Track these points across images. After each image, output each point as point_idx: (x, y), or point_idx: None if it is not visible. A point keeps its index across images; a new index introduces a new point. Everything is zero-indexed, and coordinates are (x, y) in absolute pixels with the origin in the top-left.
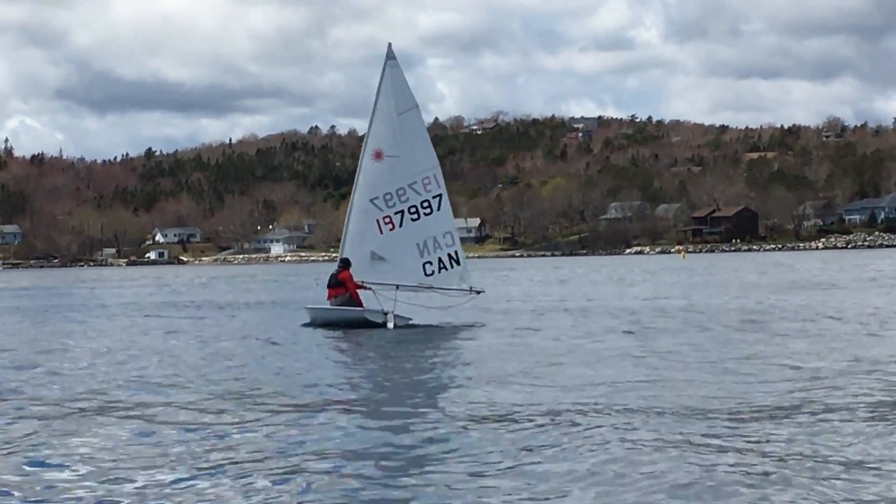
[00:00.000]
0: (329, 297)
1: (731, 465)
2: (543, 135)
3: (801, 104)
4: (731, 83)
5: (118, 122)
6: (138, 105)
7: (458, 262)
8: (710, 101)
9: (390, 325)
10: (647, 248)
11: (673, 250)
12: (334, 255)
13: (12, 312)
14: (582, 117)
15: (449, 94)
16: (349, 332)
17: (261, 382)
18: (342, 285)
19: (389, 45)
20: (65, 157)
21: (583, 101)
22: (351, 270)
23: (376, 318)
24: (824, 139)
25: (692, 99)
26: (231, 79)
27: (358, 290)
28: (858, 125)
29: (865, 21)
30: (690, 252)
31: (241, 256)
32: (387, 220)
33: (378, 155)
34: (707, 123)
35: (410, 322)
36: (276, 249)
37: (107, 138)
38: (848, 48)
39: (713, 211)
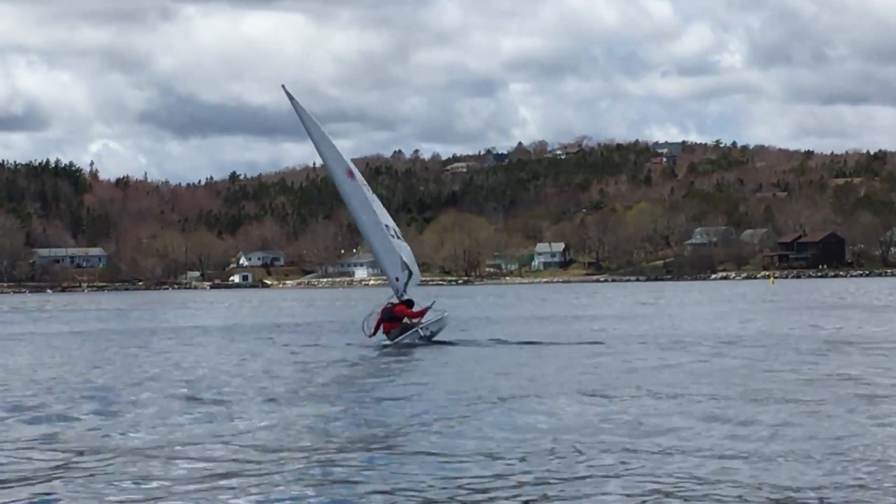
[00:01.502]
0: (386, 331)
1: None
2: (627, 160)
3: (885, 130)
4: (814, 108)
5: (200, 145)
6: (220, 129)
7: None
8: (794, 126)
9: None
10: (733, 274)
11: (760, 276)
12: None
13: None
14: (666, 142)
15: (531, 119)
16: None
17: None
18: (398, 319)
19: (283, 86)
20: (149, 180)
21: (665, 126)
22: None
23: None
24: None
25: (775, 124)
26: (313, 103)
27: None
28: None
29: None
30: (777, 278)
31: (324, 280)
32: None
33: (350, 173)
34: (791, 149)
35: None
36: (360, 273)
37: (189, 162)
38: None
39: (799, 237)
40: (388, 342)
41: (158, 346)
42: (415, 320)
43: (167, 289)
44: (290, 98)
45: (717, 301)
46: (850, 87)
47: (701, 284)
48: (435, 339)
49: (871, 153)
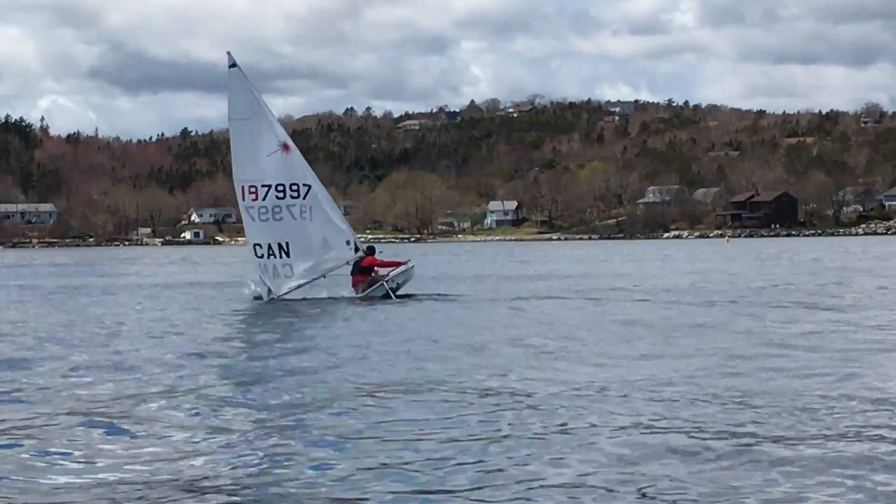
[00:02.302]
0: (355, 284)
1: None
2: (580, 118)
3: (836, 90)
4: (766, 68)
5: (151, 102)
6: (171, 85)
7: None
8: (745, 86)
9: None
10: (686, 233)
11: (713, 235)
12: (370, 236)
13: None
14: (618, 101)
15: (483, 77)
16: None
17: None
18: (367, 271)
19: (228, 53)
20: (100, 136)
21: (617, 84)
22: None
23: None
24: (863, 125)
25: (727, 84)
26: (264, 60)
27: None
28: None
29: None
30: (731, 237)
31: None
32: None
33: (286, 147)
34: (742, 108)
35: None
36: None
37: (140, 118)
38: (885, 33)
39: (752, 196)
40: (358, 296)
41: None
42: (384, 271)
43: (118, 245)
44: (233, 65)
45: (700, 259)
46: (802, 46)
47: (654, 243)
48: (399, 292)
49: (823, 113)
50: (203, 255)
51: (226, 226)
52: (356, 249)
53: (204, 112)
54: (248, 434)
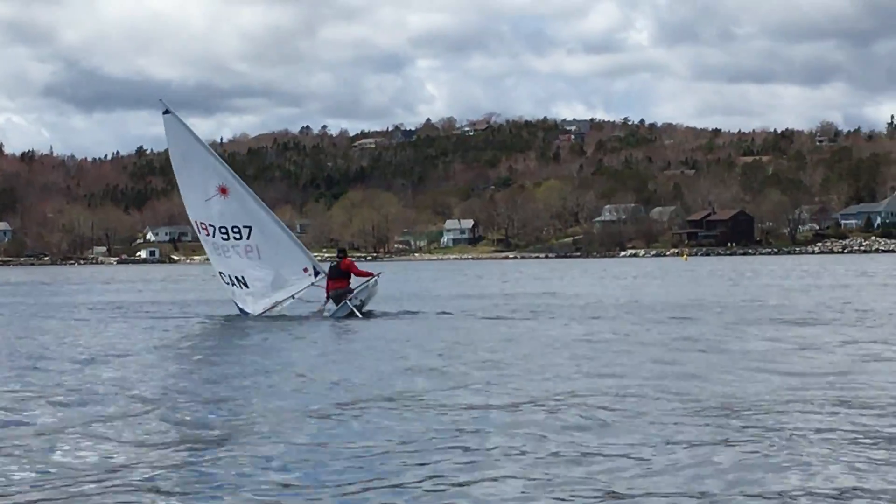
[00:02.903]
0: (331, 290)
1: None
2: (536, 136)
3: (791, 109)
4: (721, 87)
5: (106, 120)
6: (126, 103)
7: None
8: (700, 104)
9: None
10: (642, 251)
11: (669, 253)
12: (327, 254)
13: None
14: (574, 119)
15: (438, 96)
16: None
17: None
18: (346, 276)
19: (160, 100)
20: (55, 154)
21: (572, 103)
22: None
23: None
24: (818, 144)
25: (682, 102)
26: (219, 78)
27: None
28: (851, 130)
29: (856, 26)
30: (689, 255)
31: None
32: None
33: (223, 191)
34: (698, 127)
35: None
36: None
37: (95, 136)
38: (839, 53)
39: (708, 214)
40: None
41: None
42: (361, 280)
43: (73, 264)
44: (167, 112)
45: (673, 276)
46: (757, 65)
47: (611, 261)
48: (364, 308)
49: (779, 132)
50: (166, 272)
51: (181, 244)
52: (316, 274)
53: (159, 130)
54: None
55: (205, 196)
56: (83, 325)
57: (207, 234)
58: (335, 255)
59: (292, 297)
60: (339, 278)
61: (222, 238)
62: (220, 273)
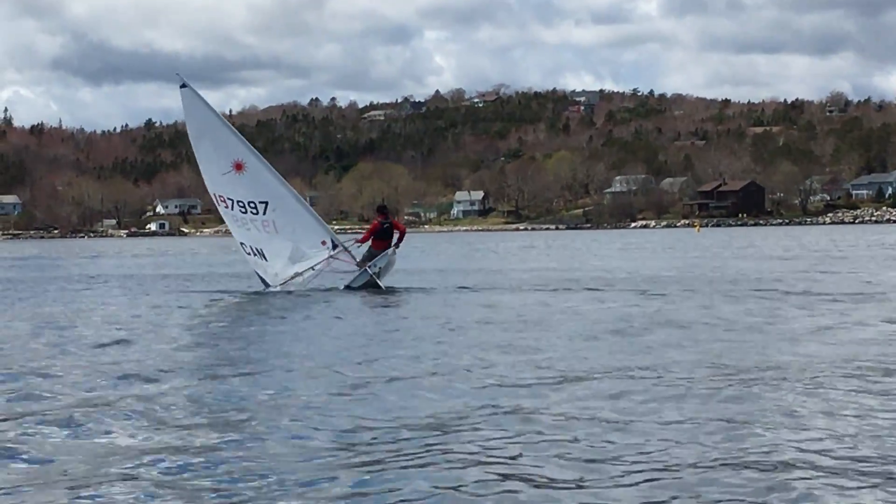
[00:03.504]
0: (375, 249)
1: None
2: (545, 108)
3: (800, 79)
4: (729, 57)
5: (114, 93)
6: (134, 76)
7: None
8: (709, 75)
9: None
10: (653, 223)
11: (680, 224)
12: (337, 227)
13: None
14: (584, 90)
15: (447, 68)
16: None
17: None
18: (390, 237)
19: (177, 74)
20: (64, 127)
21: (580, 74)
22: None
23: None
24: (828, 114)
25: (690, 73)
26: (227, 50)
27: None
28: (861, 100)
29: None
30: (693, 227)
31: None
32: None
33: (238, 166)
34: (707, 98)
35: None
36: None
37: (103, 109)
38: (848, 23)
39: (719, 185)
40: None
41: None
42: (389, 250)
43: (83, 237)
44: (184, 85)
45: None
46: (765, 35)
47: (622, 233)
48: (384, 282)
49: (789, 102)
50: (177, 245)
51: (191, 217)
52: (334, 246)
53: (168, 103)
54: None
55: (220, 171)
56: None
57: (227, 207)
58: (377, 212)
59: (312, 268)
60: (385, 239)
61: (241, 211)
62: (242, 244)
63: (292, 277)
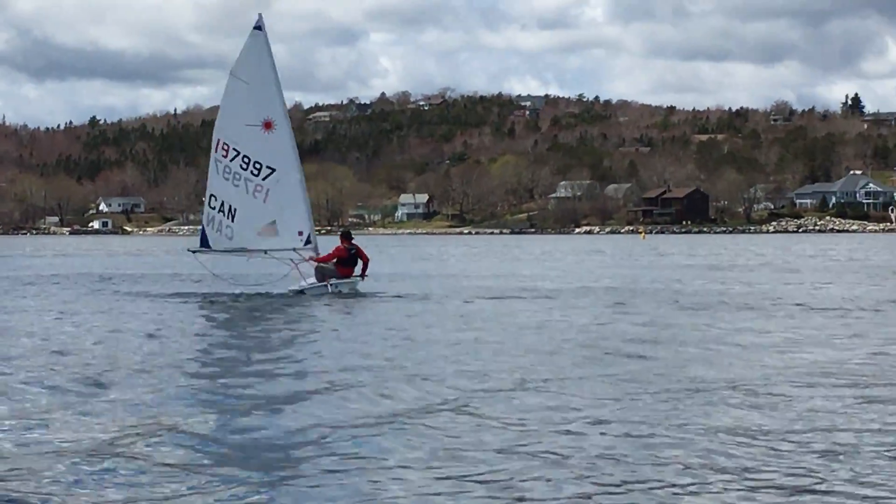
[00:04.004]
0: (341, 274)
1: None
2: (491, 112)
3: (744, 87)
4: (674, 64)
5: (58, 89)
6: (78, 73)
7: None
8: (654, 81)
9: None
10: (597, 228)
11: (624, 230)
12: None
13: None
14: (529, 95)
15: (393, 70)
16: None
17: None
18: (355, 263)
19: (259, 14)
20: (7, 123)
21: (525, 79)
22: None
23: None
24: (773, 122)
25: (635, 79)
26: (173, 49)
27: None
28: (805, 109)
29: (810, 5)
30: (639, 233)
31: (185, 228)
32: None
33: (268, 125)
34: (650, 104)
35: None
36: None
37: (47, 106)
38: (792, 32)
39: (664, 192)
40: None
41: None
42: (356, 279)
43: (24, 234)
44: (259, 27)
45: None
46: (711, 43)
47: (566, 238)
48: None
49: (734, 110)
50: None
51: (134, 215)
52: (307, 242)
53: (112, 101)
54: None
55: (245, 121)
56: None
57: (224, 155)
58: (342, 238)
59: (264, 252)
60: (349, 266)
61: (241, 166)
62: (212, 195)
63: (241, 252)
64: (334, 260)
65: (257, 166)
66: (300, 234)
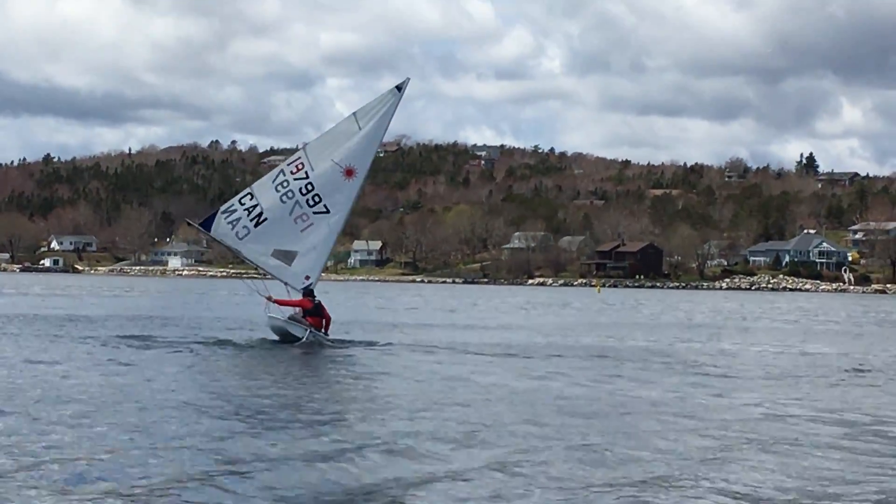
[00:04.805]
0: (310, 322)
1: None
2: (446, 161)
3: (698, 143)
4: (630, 118)
5: (12, 125)
6: (33, 110)
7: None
8: (608, 135)
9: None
10: (550, 280)
11: (577, 283)
12: (233, 271)
13: None
14: (485, 145)
15: (348, 115)
16: None
17: None
18: (321, 316)
19: (408, 79)
20: None
21: (481, 128)
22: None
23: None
24: (727, 179)
25: (590, 132)
26: (128, 88)
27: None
28: (760, 167)
29: (765, 63)
30: (593, 287)
31: (137, 268)
32: None
33: (349, 173)
34: (605, 157)
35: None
36: (174, 263)
37: (0, 142)
38: (747, 90)
39: (617, 246)
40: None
41: None
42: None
43: None
44: (400, 88)
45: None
46: (666, 98)
47: (519, 289)
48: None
49: (688, 166)
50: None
51: (86, 254)
52: (306, 290)
53: (66, 139)
54: None
55: (334, 157)
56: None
57: (294, 172)
58: (304, 294)
59: (256, 268)
60: (317, 316)
61: (301, 190)
62: (249, 194)
63: (237, 254)
64: (299, 309)
65: (316, 199)
66: (307, 278)
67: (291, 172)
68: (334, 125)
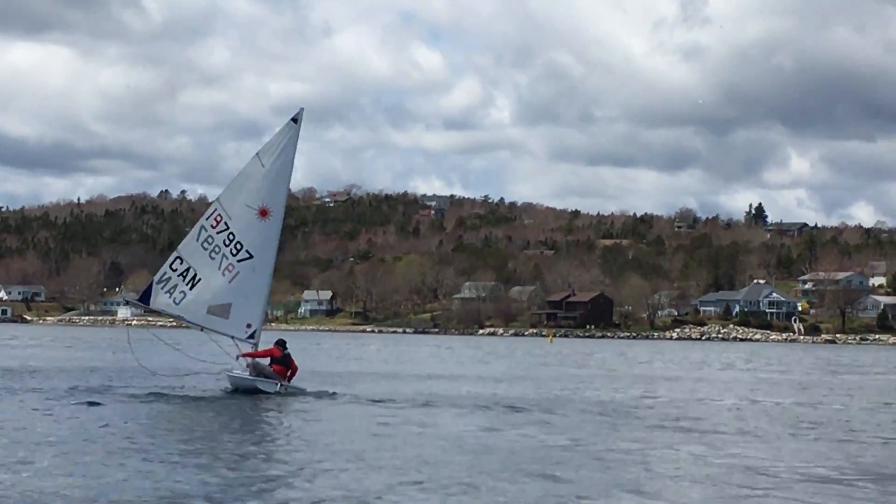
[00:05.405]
0: (276, 370)
1: None
2: (396, 210)
3: (647, 194)
4: (579, 169)
5: None
6: None
7: None
8: (558, 185)
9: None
10: (501, 330)
11: (528, 333)
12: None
13: None
14: (434, 195)
15: (298, 165)
16: None
17: None
18: (287, 364)
19: (302, 108)
20: None
21: (431, 178)
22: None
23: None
24: (677, 229)
25: (539, 182)
26: (77, 138)
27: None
28: (709, 217)
29: (714, 114)
30: (545, 337)
31: (86, 318)
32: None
33: (264, 213)
34: (555, 207)
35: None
36: (123, 313)
37: None
38: (696, 140)
39: (568, 296)
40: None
41: None
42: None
43: None
44: (296, 120)
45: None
46: (615, 149)
47: (469, 339)
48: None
49: (638, 216)
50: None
51: (34, 304)
52: (251, 336)
53: (14, 188)
54: None
55: (246, 201)
56: None
57: (214, 226)
58: (276, 344)
59: (201, 328)
60: (283, 365)
61: (224, 242)
62: (178, 258)
63: (180, 320)
64: (268, 358)
65: (238, 247)
66: (248, 326)
67: (212, 226)
68: (240, 171)
